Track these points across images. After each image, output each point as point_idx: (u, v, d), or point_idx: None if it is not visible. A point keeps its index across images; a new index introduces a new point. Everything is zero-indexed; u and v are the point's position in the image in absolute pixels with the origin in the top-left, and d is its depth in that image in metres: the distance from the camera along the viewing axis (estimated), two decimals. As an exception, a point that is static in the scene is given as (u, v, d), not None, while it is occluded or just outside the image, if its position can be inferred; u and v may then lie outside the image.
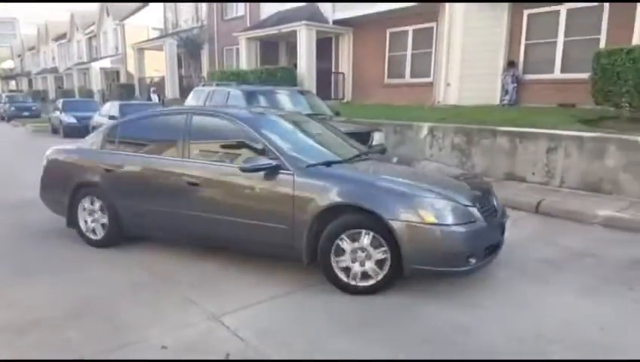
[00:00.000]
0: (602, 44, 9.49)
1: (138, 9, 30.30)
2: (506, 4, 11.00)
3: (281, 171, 3.68)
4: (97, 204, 4.58)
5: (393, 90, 14.46)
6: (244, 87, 8.21)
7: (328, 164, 3.87)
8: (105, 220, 4.53)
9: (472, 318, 3.13)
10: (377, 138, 7.08)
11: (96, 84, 31.16)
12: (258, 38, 17.99)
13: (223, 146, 4.21)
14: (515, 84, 11.03)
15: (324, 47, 16.57)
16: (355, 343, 2.81)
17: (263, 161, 3.71)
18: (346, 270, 3.50)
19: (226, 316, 3.14)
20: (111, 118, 12.02)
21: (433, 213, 3.29)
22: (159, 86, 23.74)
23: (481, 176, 4.62)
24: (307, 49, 15.17)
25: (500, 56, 11.34)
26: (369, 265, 3.44)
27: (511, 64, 11.14)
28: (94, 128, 11.53)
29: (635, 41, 8.07)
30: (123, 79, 30.16)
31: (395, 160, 4.86)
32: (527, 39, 11.11)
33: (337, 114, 8.55)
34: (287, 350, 2.74)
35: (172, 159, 4.25)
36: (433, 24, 13.13)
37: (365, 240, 3.42)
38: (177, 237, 4.46)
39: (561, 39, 10.49)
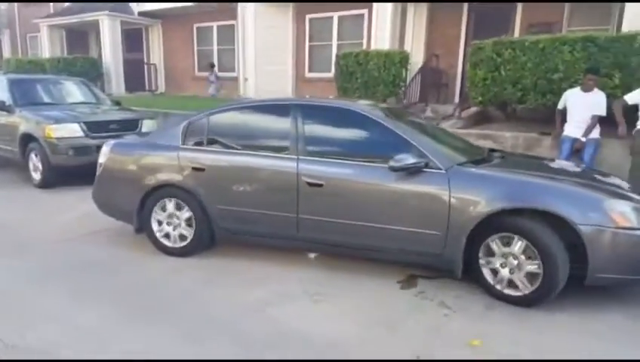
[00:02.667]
0: (364, 47, 11.24)
1: None
2: (290, 9, 12.30)
3: (430, 170, 3.35)
4: (184, 209, 4.08)
5: (203, 83, 15.03)
6: (11, 76, 8.06)
7: (476, 162, 3.62)
8: (191, 227, 4.07)
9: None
10: (147, 125, 7.60)
11: None
12: (62, 26, 17.14)
13: (347, 143, 3.82)
14: (215, 82, 14.04)
15: (136, 38, 16.50)
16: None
17: (411, 159, 3.32)
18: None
19: None
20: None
21: (624, 215, 3.02)
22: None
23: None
24: (111, 39, 14.99)
25: (290, 55, 12.66)
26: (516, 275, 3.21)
27: (212, 65, 14.11)
28: None
29: (373, 46, 9.77)
30: None
31: (532, 157, 4.65)
32: (310, 41, 12.57)
33: (118, 103, 8.86)
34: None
35: (285, 157, 3.76)
36: (234, 22, 14.00)
37: (517, 247, 3.17)
38: (289, 244, 3.94)
39: (335, 42, 12.11)
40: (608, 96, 5.81)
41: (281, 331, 2.94)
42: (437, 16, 10.58)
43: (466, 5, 10.25)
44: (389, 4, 9.30)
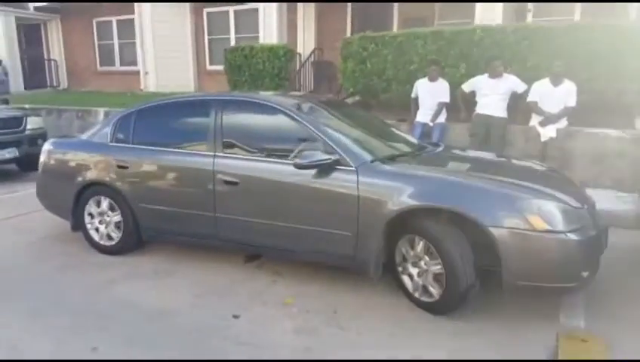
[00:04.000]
0: (260, 41, 11.66)
1: None
2: (187, 3, 12.46)
3: (340, 167, 3.24)
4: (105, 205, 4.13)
5: (106, 78, 14.85)
6: None
7: (392, 158, 3.48)
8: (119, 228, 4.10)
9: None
10: (33, 122, 7.63)
11: None
12: (-52, 21, 16.13)
13: (263, 139, 3.74)
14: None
15: (35, 33, 15.93)
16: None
17: (320, 155, 3.20)
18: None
19: None
20: None
21: (543, 217, 2.76)
22: None
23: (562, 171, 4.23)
24: (6, 35, 14.40)
25: (189, 48, 12.84)
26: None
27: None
28: None
29: (262, 40, 10.25)
30: None
31: (465, 154, 4.30)
32: (209, 35, 12.82)
33: (6, 102, 8.79)
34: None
35: (203, 153, 3.73)
36: (133, 16, 13.90)
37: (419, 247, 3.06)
38: (208, 243, 3.93)
39: (233, 35, 12.43)
40: (456, 85, 6.63)
41: (120, 304, 3.37)
42: (324, 12, 11.20)
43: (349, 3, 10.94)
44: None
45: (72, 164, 4.38)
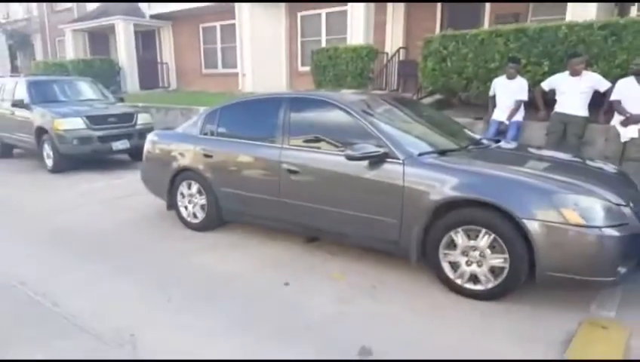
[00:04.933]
0: (348, 41, 12.05)
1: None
2: (282, 8, 13.23)
3: (389, 160, 3.48)
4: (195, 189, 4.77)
5: (210, 79, 16.20)
6: (30, 78, 9.32)
7: (441, 152, 3.67)
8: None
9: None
10: (142, 118, 8.70)
11: None
12: (84, 30, 18.60)
13: (323, 133, 4.01)
14: None
15: (150, 39, 17.81)
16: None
17: (370, 148, 3.47)
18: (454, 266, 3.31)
19: None
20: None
21: (579, 212, 2.85)
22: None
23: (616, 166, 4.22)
24: (125, 41, 16.30)
25: (283, 51, 13.62)
26: (481, 269, 3.18)
27: None
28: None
29: (350, 41, 10.59)
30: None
31: (517, 149, 4.39)
32: (302, 37, 13.49)
33: (122, 100, 10.05)
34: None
35: (272, 145, 4.19)
36: (235, 21, 15.01)
37: (483, 241, 3.12)
38: (275, 225, 4.40)
39: (324, 37, 12.97)
40: (538, 83, 6.51)
41: (195, 269, 3.94)
42: (413, 11, 11.31)
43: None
44: (361, 3, 10.11)
45: (169, 152, 5.03)
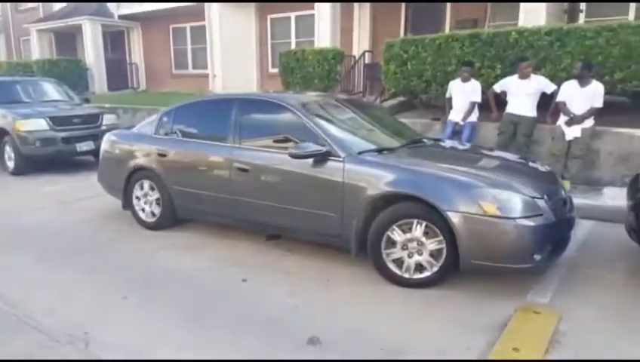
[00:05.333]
0: (316, 44, 12.23)
1: None
2: (252, 9, 13.33)
3: (331, 158, 3.69)
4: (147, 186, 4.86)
5: (180, 80, 16.14)
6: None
7: (380, 150, 3.88)
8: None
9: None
10: (108, 119, 8.69)
11: None
12: (50, 30, 18.31)
13: (272, 132, 4.23)
14: None
15: (118, 40, 17.66)
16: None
17: (313, 147, 3.67)
18: (398, 262, 3.47)
19: None
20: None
21: (496, 204, 3.10)
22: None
23: (545, 165, 4.46)
24: (93, 41, 16.14)
25: (254, 52, 13.72)
26: (423, 257, 3.37)
27: None
28: None
29: (317, 44, 10.76)
30: None
31: (452, 148, 4.67)
32: (272, 39, 13.63)
33: (87, 100, 10.01)
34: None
35: (223, 145, 4.32)
36: (204, 22, 15.03)
37: (417, 230, 3.34)
38: (229, 222, 4.55)
39: (293, 40, 13.12)
40: (492, 85, 6.80)
41: (153, 268, 4.05)
42: (379, 15, 11.58)
43: (403, 4, 11.22)
44: (327, 5, 10.30)
45: (125, 151, 5.12)
